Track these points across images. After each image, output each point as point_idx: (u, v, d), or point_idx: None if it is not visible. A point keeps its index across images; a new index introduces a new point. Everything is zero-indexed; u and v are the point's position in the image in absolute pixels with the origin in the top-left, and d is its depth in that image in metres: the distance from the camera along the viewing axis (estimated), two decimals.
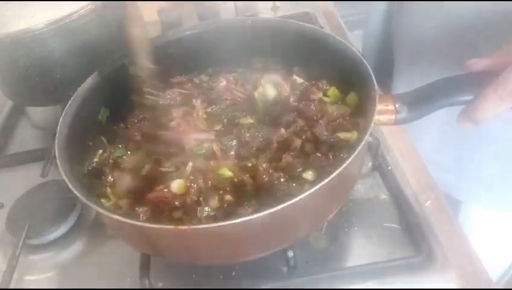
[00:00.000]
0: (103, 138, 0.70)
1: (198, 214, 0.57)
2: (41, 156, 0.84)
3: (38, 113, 1.01)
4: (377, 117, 0.56)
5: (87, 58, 0.81)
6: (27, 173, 0.84)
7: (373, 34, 1.10)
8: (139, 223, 0.51)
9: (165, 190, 0.60)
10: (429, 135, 0.91)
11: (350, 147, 0.60)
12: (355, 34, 1.30)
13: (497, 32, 0.71)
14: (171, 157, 0.65)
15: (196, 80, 0.81)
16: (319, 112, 0.67)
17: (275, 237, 0.55)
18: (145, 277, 0.62)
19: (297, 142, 0.64)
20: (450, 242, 0.64)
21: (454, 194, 0.92)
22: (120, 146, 0.70)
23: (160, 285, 0.63)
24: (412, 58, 0.93)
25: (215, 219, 0.56)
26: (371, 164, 0.75)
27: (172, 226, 0.49)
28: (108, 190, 0.64)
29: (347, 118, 0.66)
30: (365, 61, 0.63)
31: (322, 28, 1.07)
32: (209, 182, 0.60)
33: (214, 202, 0.58)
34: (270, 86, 0.74)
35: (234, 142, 0.66)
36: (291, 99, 0.72)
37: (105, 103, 0.72)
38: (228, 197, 0.59)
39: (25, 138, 0.96)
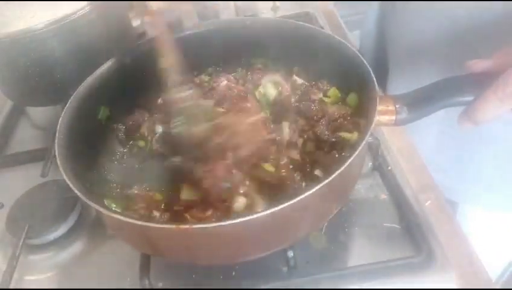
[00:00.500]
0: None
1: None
2: (41, 156, 0.84)
3: (38, 113, 1.01)
4: (377, 118, 0.56)
5: (87, 58, 0.80)
6: (27, 173, 0.84)
7: (369, 34, 1.10)
8: (139, 223, 0.51)
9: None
10: (429, 135, 0.91)
11: (351, 147, 0.60)
12: (355, 34, 1.29)
13: (497, 33, 0.71)
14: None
15: (197, 80, 0.81)
16: (320, 112, 0.67)
17: (275, 237, 0.55)
18: (145, 277, 0.61)
19: (299, 142, 0.64)
20: (450, 242, 0.64)
21: (449, 196, 0.92)
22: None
23: (160, 285, 0.63)
24: (404, 58, 0.93)
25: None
26: (371, 164, 0.75)
27: (173, 226, 0.49)
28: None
29: (348, 118, 0.66)
30: (366, 62, 0.63)
31: (322, 28, 1.07)
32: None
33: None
34: (271, 86, 0.74)
35: None
36: (292, 99, 0.72)
37: (105, 102, 0.72)
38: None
39: (25, 138, 0.95)
